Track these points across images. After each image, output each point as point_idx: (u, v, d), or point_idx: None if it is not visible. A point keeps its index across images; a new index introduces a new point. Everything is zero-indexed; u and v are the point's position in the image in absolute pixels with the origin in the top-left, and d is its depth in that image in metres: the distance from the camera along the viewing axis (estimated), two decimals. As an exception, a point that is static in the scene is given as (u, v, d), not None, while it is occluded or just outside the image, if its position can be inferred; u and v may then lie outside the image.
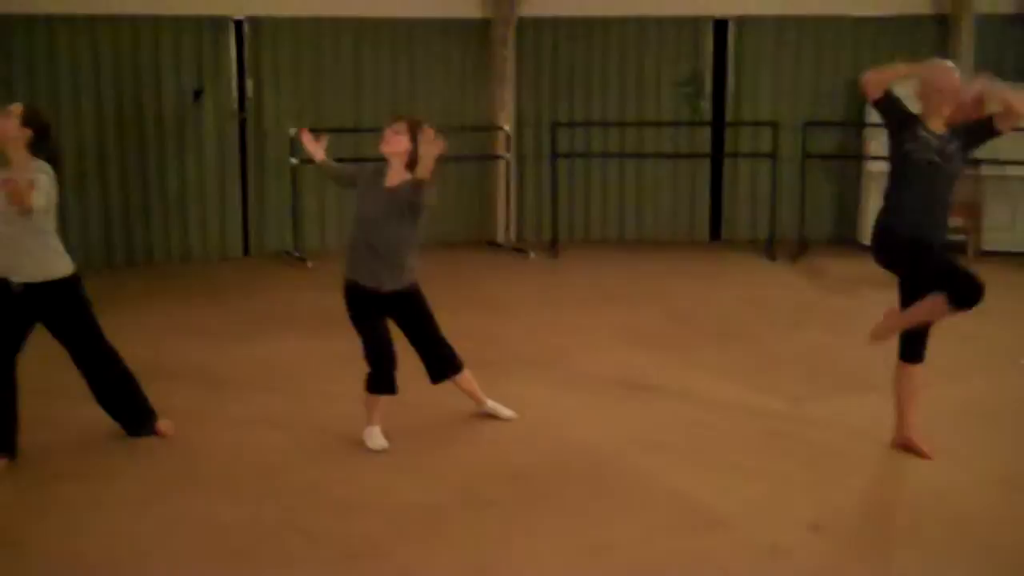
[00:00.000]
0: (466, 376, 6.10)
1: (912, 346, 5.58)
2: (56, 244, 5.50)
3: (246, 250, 11.31)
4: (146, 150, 10.66)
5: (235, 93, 11.05)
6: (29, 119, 5.43)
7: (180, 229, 10.92)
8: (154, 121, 10.65)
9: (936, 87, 5.38)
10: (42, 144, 5.45)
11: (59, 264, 5.48)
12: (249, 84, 11.06)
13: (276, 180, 11.21)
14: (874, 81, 5.46)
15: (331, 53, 11.29)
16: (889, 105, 5.47)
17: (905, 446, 5.66)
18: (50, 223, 5.47)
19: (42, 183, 5.28)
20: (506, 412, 6.23)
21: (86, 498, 5.14)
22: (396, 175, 5.71)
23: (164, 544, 4.67)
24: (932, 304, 5.35)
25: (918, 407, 5.64)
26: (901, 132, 5.40)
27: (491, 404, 6.23)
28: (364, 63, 11.42)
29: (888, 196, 5.51)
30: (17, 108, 5.46)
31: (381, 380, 5.75)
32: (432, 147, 5.40)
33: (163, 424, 5.94)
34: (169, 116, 10.69)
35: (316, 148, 6.18)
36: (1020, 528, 4.87)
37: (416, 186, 5.53)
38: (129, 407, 5.87)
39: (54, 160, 5.49)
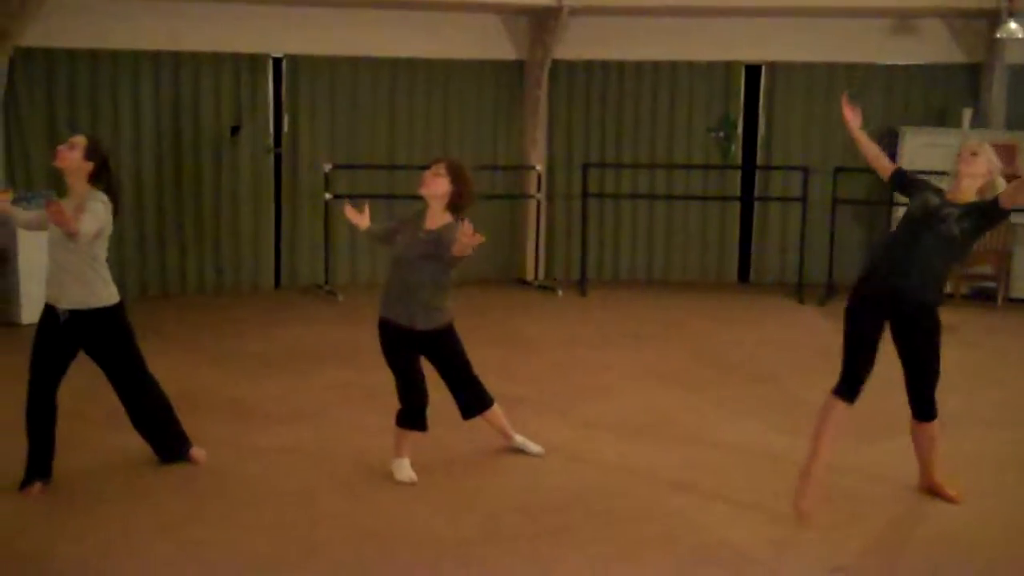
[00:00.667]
0: (496, 412, 6.15)
1: (916, 405, 5.55)
2: (105, 273, 5.62)
3: (277, 283, 11.44)
4: (182, 183, 10.82)
5: (271, 128, 11.21)
6: (91, 152, 5.57)
7: (213, 261, 11.05)
8: (192, 155, 10.82)
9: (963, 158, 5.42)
10: (102, 176, 5.61)
11: (106, 292, 5.60)
12: (285, 120, 11.22)
13: (309, 214, 11.35)
14: (877, 167, 5.84)
15: (367, 91, 11.45)
16: (898, 180, 5.69)
17: (931, 490, 5.67)
18: (102, 251, 5.59)
19: (96, 210, 5.42)
20: (534, 448, 6.28)
21: (118, 522, 5.21)
22: (435, 217, 5.76)
23: (192, 570, 4.73)
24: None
25: (937, 454, 5.65)
26: (909, 197, 5.55)
27: (519, 439, 6.28)
28: (399, 102, 11.57)
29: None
30: (81, 140, 5.60)
31: (412, 416, 5.81)
32: (470, 240, 5.37)
33: (196, 452, 6.03)
34: (206, 150, 10.85)
35: (360, 219, 6.23)
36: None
37: (450, 236, 5.57)
38: (165, 433, 5.96)
39: (114, 191, 5.63)
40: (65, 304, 5.51)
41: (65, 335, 5.56)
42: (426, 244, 5.69)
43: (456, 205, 5.73)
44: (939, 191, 5.47)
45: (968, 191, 5.38)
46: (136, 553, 4.87)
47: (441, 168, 5.75)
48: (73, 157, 5.52)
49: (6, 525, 5.18)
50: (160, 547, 4.95)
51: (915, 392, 5.48)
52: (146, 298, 10.61)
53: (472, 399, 6.03)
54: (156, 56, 10.55)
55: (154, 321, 9.36)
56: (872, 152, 5.81)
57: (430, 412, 5.83)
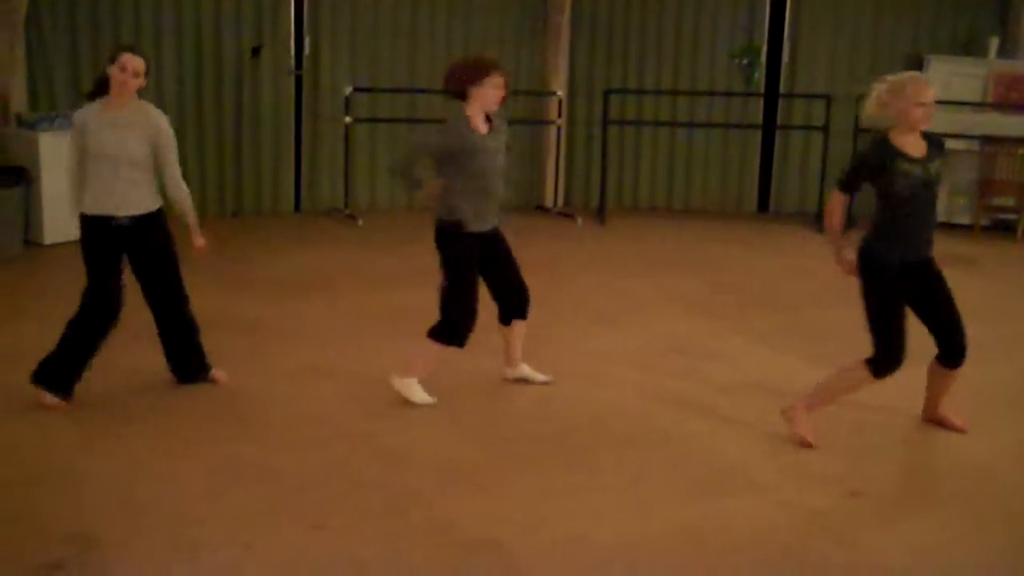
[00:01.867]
0: (522, 327, 6.17)
1: (953, 355, 5.49)
2: (152, 178, 5.72)
3: (297, 206, 11.47)
4: (203, 105, 10.81)
5: (293, 51, 11.17)
6: (146, 71, 5.65)
7: (234, 184, 11.08)
8: (213, 77, 10.79)
9: (913, 99, 5.21)
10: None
11: (156, 196, 5.73)
12: (307, 42, 11.18)
13: (330, 138, 11.34)
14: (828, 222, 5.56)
15: (388, 14, 11.38)
16: (856, 182, 5.44)
17: (938, 422, 5.71)
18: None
19: (169, 132, 5.68)
20: (540, 377, 6.29)
21: (142, 442, 5.31)
22: (481, 121, 5.77)
23: (215, 488, 4.83)
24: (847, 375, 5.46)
25: (949, 390, 5.67)
26: (885, 175, 5.25)
27: (526, 369, 6.29)
28: (420, 25, 11.51)
29: (878, 230, 5.40)
30: (140, 65, 5.57)
31: (458, 331, 5.77)
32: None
33: (217, 373, 6.10)
34: (228, 72, 10.82)
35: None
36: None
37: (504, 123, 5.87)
38: (188, 351, 6.03)
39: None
40: (124, 212, 5.59)
41: (119, 243, 5.64)
42: (496, 144, 5.81)
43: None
44: (902, 153, 5.22)
45: (920, 137, 5.31)
46: (158, 474, 4.96)
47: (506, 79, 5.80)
48: (138, 83, 5.60)
49: (32, 445, 5.27)
50: (185, 464, 5.04)
51: (950, 341, 5.43)
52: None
53: (522, 303, 6.06)
54: (177, -24, 10.49)
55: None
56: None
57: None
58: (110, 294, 5.65)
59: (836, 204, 5.48)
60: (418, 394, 5.89)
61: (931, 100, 5.24)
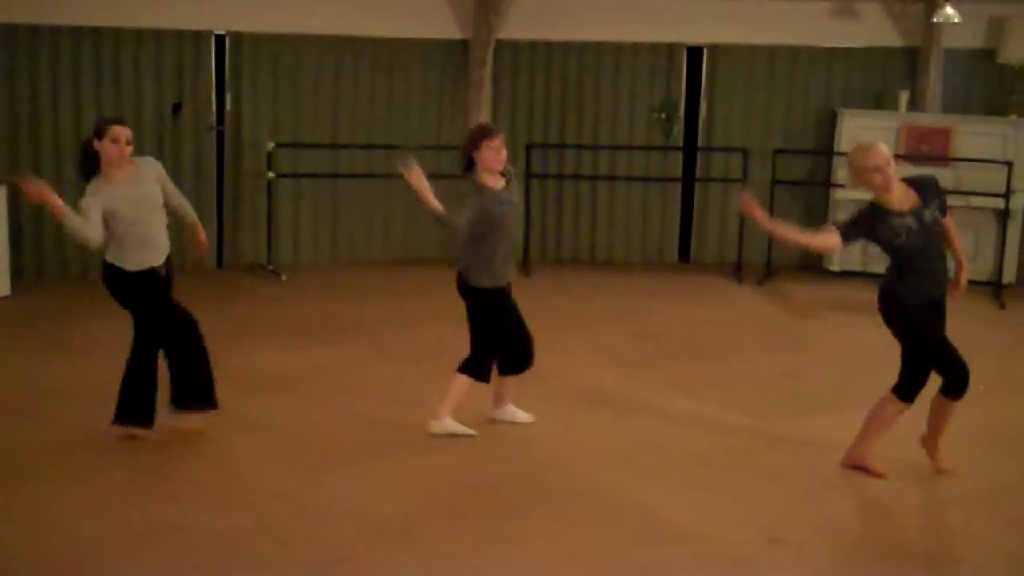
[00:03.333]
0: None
1: (958, 385, 5.72)
2: None
3: (220, 263, 11.39)
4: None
5: (214, 107, 11.14)
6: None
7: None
8: (133, 133, 10.67)
9: (864, 168, 5.50)
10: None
11: None
12: (228, 98, 11.16)
13: (251, 194, 11.30)
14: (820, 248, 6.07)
15: (311, 69, 11.40)
16: (854, 236, 5.70)
17: (929, 453, 5.92)
18: None
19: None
20: (523, 416, 6.62)
21: (61, 501, 5.22)
22: (496, 180, 6.28)
23: (135, 549, 4.75)
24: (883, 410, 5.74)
25: (949, 422, 5.85)
26: (881, 234, 5.55)
27: (511, 411, 6.62)
28: (343, 81, 11.54)
29: (896, 273, 5.68)
30: (125, 132, 6.09)
31: (487, 369, 6.30)
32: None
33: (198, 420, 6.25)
34: (148, 128, 10.75)
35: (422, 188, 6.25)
36: (971, 544, 5.03)
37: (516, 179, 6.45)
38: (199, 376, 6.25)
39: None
40: (162, 259, 6.16)
41: (166, 287, 6.21)
42: (512, 204, 6.33)
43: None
44: (890, 212, 5.51)
45: (901, 190, 5.55)
46: (77, 535, 4.88)
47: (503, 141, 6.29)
48: (130, 149, 6.09)
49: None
50: (106, 525, 4.96)
51: (954, 373, 5.64)
52: (87, 279, 10.53)
53: (526, 356, 6.46)
54: (97, 32, 10.44)
55: (97, 302, 9.29)
56: (798, 237, 5.88)
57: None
58: (183, 313, 6.23)
59: (825, 245, 5.78)
60: (459, 427, 6.22)
61: (883, 161, 5.45)
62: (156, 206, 6.10)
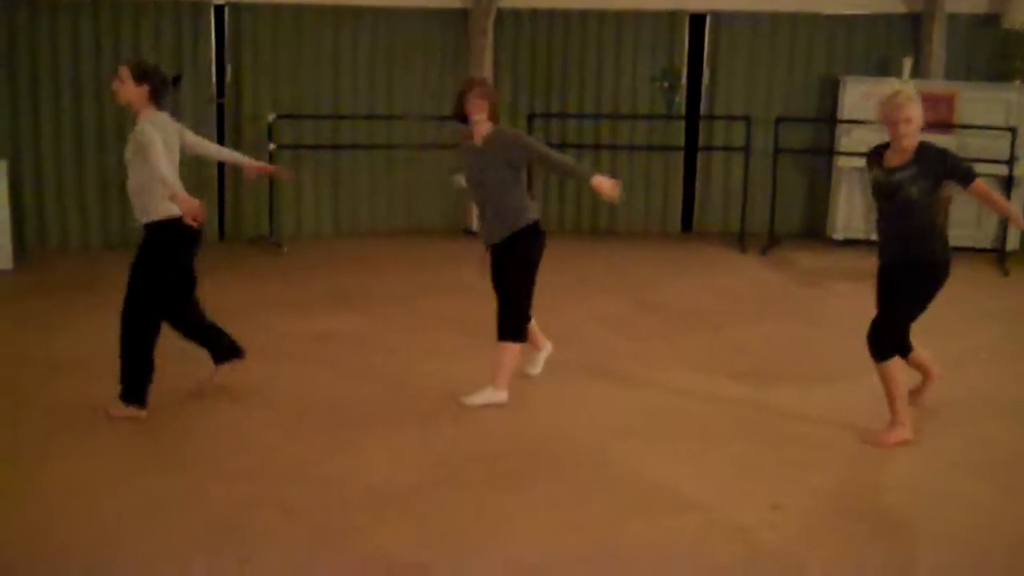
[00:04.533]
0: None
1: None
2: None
3: (222, 235, 11.37)
4: (124, 134, 10.66)
5: (214, 79, 11.10)
6: (141, 75, 5.73)
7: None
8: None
9: (880, 116, 5.67)
10: (164, 94, 5.82)
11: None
12: (228, 70, 11.12)
13: (253, 165, 11.26)
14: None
15: (311, 40, 11.36)
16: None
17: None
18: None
19: (144, 141, 5.63)
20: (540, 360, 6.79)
21: (65, 480, 5.21)
22: (479, 134, 6.25)
23: (140, 521, 4.76)
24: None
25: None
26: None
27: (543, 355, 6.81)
28: (343, 50, 11.50)
29: None
30: (124, 70, 5.73)
31: (523, 326, 6.33)
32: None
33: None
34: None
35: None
36: (972, 511, 5.03)
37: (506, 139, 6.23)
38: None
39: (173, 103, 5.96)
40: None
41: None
42: (489, 157, 6.22)
43: (493, 115, 6.25)
44: (878, 163, 5.72)
45: (909, 149, 5.59)
46: (80, 513, 4.90)
47: (483, 92, 6.21)
48: (125, 89, 5.71)
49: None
50: (107, 500, 4.97)
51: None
52: (88, 251, 10.53)
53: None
54: (96, 5, 10.39)
55: (104, 274, 9.30)
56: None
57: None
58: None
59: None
60: (499, 394, 6.27)
61: (903, 115, 5.51)
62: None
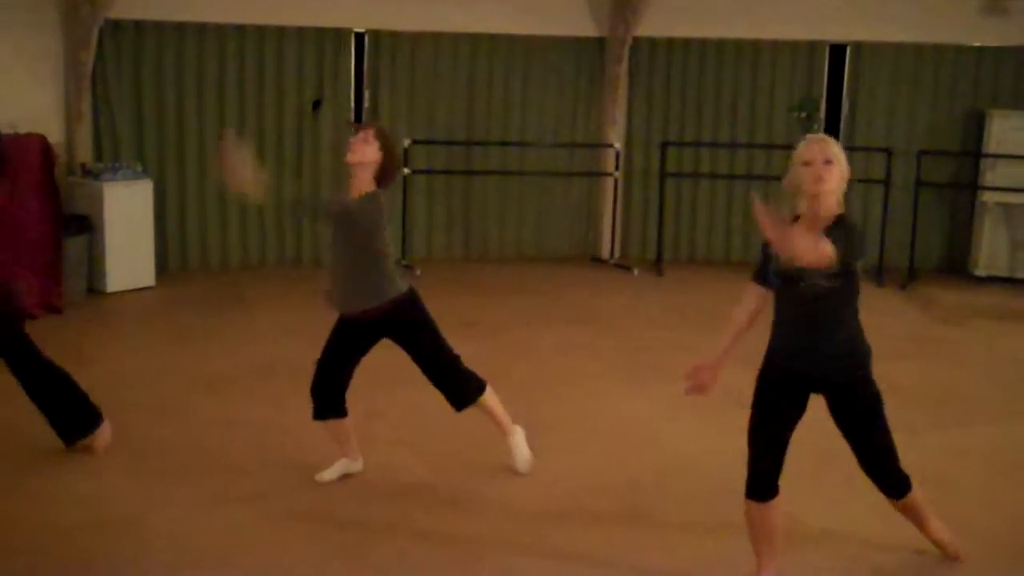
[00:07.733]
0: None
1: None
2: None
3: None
4: (265, 157, 10.93)
5: (352, 103, 11.30)
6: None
7: (294, 234, 11.17)
8: (274, 129, 10.94)
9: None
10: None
11: None
12: (366, 95, 11.30)
13: (388, 189, 11.39)
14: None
15: (447, 67, 11.48)
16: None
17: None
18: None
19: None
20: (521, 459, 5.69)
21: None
22: (359, 187, 5.23)
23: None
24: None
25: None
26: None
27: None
28: (479, 78, 11.59)
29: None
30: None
31: (469, 375, 5.62)
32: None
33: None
34: (289, 124, 10.97)
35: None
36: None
37: (368, 207, 5.13)
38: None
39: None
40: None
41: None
42: (354, 216, 5.17)
43: (383, 176, 5.24)
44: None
45: (827, 211, 4.39)
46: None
47: (371, 134, 5.22)
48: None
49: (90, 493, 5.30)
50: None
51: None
52: (227, 271, 10.76)
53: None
54: (242, 29, 10.68)
55: (239, 291, 9.48)
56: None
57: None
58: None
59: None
60: (516, 436, 5.65)
61: (822, 166, 4.38)
62: None
